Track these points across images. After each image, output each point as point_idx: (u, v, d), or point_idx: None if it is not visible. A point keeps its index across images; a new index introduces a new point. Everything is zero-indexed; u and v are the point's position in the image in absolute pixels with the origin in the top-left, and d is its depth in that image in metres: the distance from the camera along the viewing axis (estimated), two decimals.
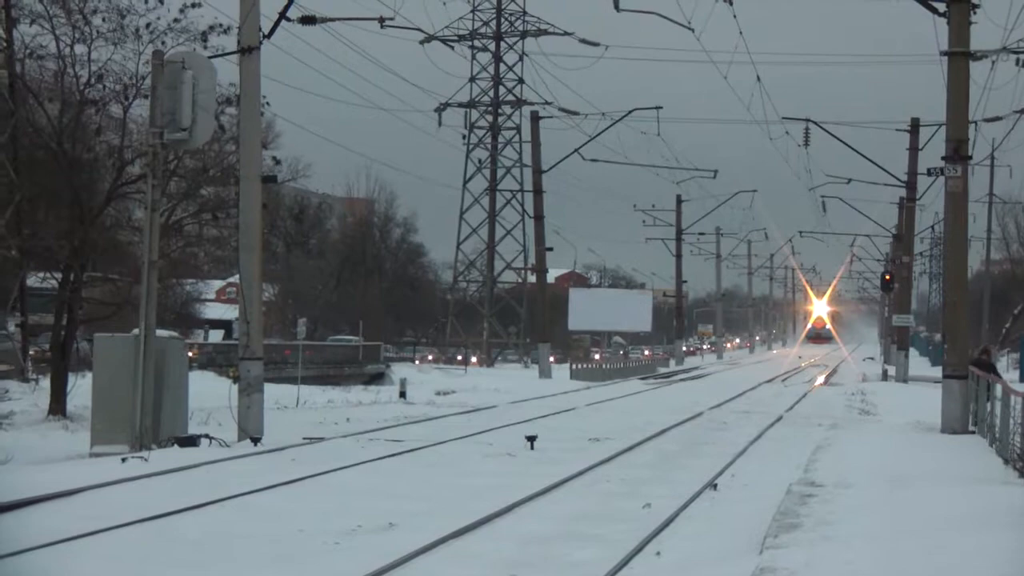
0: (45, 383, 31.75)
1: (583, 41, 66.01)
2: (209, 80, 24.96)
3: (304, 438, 25.99)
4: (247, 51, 26.51)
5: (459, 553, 13.77)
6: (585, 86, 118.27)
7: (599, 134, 63.83)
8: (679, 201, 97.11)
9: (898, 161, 61.75)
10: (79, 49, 29.84)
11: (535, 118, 66.65)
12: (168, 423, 24.37)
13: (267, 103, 29.02)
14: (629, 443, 25.91)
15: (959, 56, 29.19)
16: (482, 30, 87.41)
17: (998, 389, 24.23)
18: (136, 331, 24.19)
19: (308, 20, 29.25)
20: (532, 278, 78.15)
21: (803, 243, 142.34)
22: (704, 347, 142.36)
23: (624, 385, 58.94)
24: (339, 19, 31.22)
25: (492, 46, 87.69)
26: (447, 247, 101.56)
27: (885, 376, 65.65)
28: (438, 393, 47.39)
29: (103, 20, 29.75)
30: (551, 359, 66.38)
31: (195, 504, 16.26)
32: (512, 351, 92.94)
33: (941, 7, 29.34)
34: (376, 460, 22.22)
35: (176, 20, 29.35)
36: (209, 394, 30.13)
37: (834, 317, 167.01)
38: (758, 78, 44.64)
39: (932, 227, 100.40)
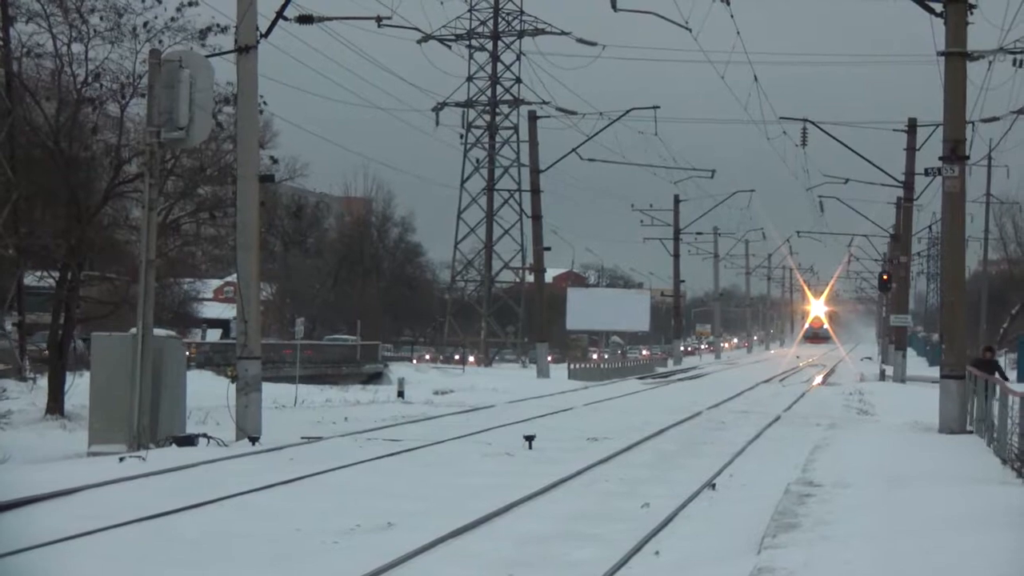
0: (43, 382, 31.72)
1: (580, 41, 66.05)
2: (206, 79, 24.95)
3: (302, 437, 25.98)
4: (244, 50, 26.49)
5: (457, 553, 13.76)
6: (583, 86, 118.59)
7: (597, 134, 63.93)
8: (677, 201, 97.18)
9: (895, 161, 61.87)
10: (76, 48, 29.85)
11: (533, 118, 66.67)
12: (166, 422, 24.36)
13: (264, 102, 29.02)
14: (627, 443, 25.91)
15: (956, 56, 29.20)
16: (479, 29, 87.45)
17: (996, 389, 24.22)
18: (134, 330, 24.18)
19: (305, 19, 29.25)
20: (530, 278, 78.23)
21: (801, 243, 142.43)
22: (702, 347, 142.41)
23: (622, 385, 58.94)
24: (336, 18, 31.24)
25: (489, 45, 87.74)
26: (445, 247, 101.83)
27: (883, 376, 65.66)
28: (436, 393, 47.36)
29: (100, 19, 29.75)
30: (549, 359, 66.39)
31: (193, 503, 16.25)
32: (510, 351, 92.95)
33: (938, 7, 29.35)
34: (374, 459, 22.21)
35: (173, 19, 29.39)
36: (207, 393, 30.12)
37: (832, 317, 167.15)
38: (755, 78, 44.70)
39: (930, 227, 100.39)
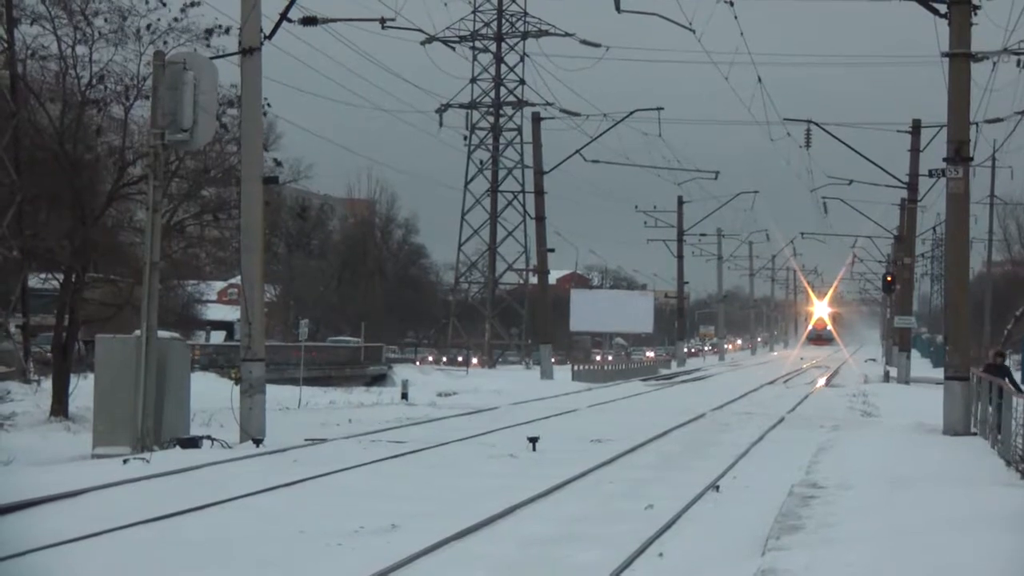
0: (47, 384, 31.73)
1: (584, 42, 66.02)
2: (210, 81, 24.98)
3: (306, 439, 25.99)
4: (248, 52, 26.52)
5: (461, 555, 13.77)
6: (586, 87, 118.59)
7: (600, 135, 63.96)
8: (680, 202, 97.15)
9: (899, 162, 61.84)
10: (80, 50, 29.88)
11: (536, 119, 66.68)
12: (170, 424, 24.38)
13: (268, 104, 29.03)
14: (631, 444, 25.91)
15: (960, 57, 29.21)
16: (483, 31, 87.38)
17: (1001, 391, 24.21)
18: (138, 332, 24.20)
19: (309, 21, 29.27)
20: (534, 279, 78.14)
21: (804, 244, 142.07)
22: (706, 348, 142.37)
23: (626, 386, 58.94)
24: (340, 20, 31.25)
25: (493, 47, 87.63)
26: (448, 248, 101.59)
27: (887, 377, 65.68)
28: (440, 394, 47.36)
29: (105, 21, 29.78)
30: (553, 360, 66.38)
31: (197, 505, 16.27)
32: (513, 352, 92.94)
33: (942, 8, 29.35)
34: (378, 461, 22.23)
35: (176, 19, 29.38)
36: (211, 395, 30.13)
37: (835, 318, 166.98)
38: (759, 79, 44.65)
39: (933, 228, 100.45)
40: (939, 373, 38.28)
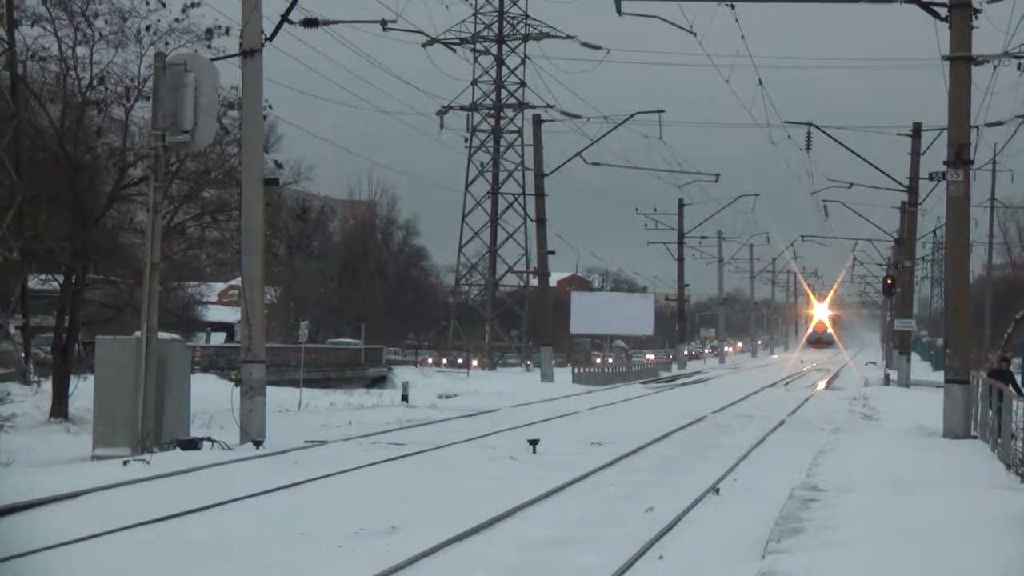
0: (47, 385, 31.73)
1: (585, 44, 66.15)
2: (211, 82, 24.97)
3: (306, 441, 25.98)
4: (249, 54, 26.51)
5: (462, 557, 13.76)
6: (587, 89, 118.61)
7: (601, 137, 64.00)
8: (681, 205, 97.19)
9: (900, 165, 61.88)
10: (81, 51, 29.91)
11: (537, 121, 66.69)
12: (170, 426, 24.37)
13: (269, 106, 29.04)
14: (631, 447, 25.90)
15: (961, 61, 29.21)
16: (484, 33, 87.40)
17: (1001, 394, 24.20)
18: (138, 334, 24.20)
19: (310, 23, 29.27)
20: (534, 281, 78.17)
21: (805, 247, 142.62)
22: (706, 351, 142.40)
23: (626, 389, 58.95)
24: (341, 22, 31.25)
25: (494, 49, 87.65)
26: (449, 250, 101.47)
27: (887, 380, 65.72)
28: (440, 396, 47.34)
29: (105, 22, 29.79)
30: (553, 363, 66.37)
31: (197, 507, 16.27)
32: (513, 355, 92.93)
33: (943, 12, 29.36)
34: (378, 463, 22.23)
35: (177, 20, 29.38)
36: (211, 397, 30.13)
37: (835, 321, 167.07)
38: (760, 82, 44.60)
39: (934, 231, 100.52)
40: (939, 376, 38.25)
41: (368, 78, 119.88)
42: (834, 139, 54.92)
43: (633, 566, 13.39)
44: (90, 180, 30.85)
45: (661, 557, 13.84)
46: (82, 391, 28.51)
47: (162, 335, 25.23)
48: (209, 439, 24.35)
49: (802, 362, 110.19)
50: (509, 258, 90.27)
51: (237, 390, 26.77)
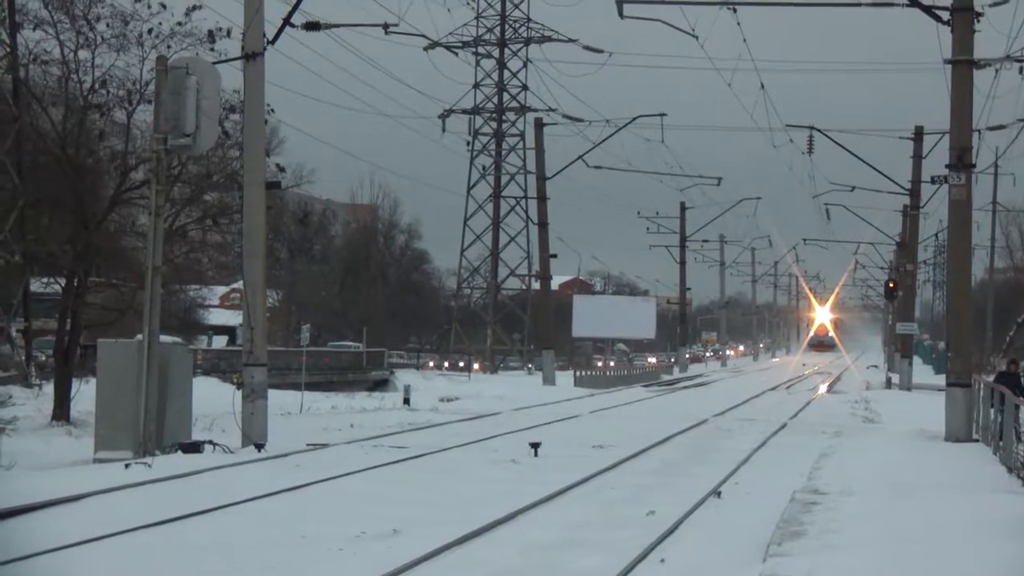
0: (48, 389, 31.76)
1: (587, 48, 66.12)
2: (213, 86, 24.97)
3: (308, 444, 25.98)
4: (251, 57, 26.49)
5: (463, 560, 13.76)
6: (589, 93, 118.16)
7: (603, 141, 63.98)
8: (683, 208, 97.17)
9: (902, 169, 61.82)
10: (83, 54, 29.95)
11: (539, 125, 66.72)
12: (172, 429, 24.38)
13: (271, 109, 29.04)
14: (633, 450, 25.89)
15: (963, 64, 29.22)
16: (486, 37, 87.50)
17: (1003, 397, 24.18)
18: (140, 337, 24.20)
19: (312, 26, 29.27)
20: (536, 285, 78.22)
21: (807, 250, 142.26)
22: (707, 355, 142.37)
23: (628, 392, 58.90)
24: (343, 25, 31.27)
25: (496, 53, 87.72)
26: (451, 254, 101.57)
27: (889, 384, 65.66)
28: (442, 400, 47.37)
29: (107, 26, 29.82)
30: (555, 366, 66.36)
31: (199, 510, 16.27)
32: (515, 358, 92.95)
33: (945, 15, 29.36)
34: (380, 467, 22.23)
35: (180, 23, 29.40)
36: (213, 400, 30.12)
37: (837, 324, 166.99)
38: (762, 85, 44.63)
39: (936, 235, 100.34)
40: (941, 380, 38.30)
41: (370, 81, 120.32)
42: (836, 143, 54.96)
43: (634, 569, 13.40)
44: (92, 183, 30.88)
45: (663, 560, 13.84)
46: (84, 394, 28.53)
47: (164, 338, 25.22)
48: (211, 442, 24.34)
49: (804, 365, 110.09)
50: (511, 261, 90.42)
51: (239, 393, 26.77)
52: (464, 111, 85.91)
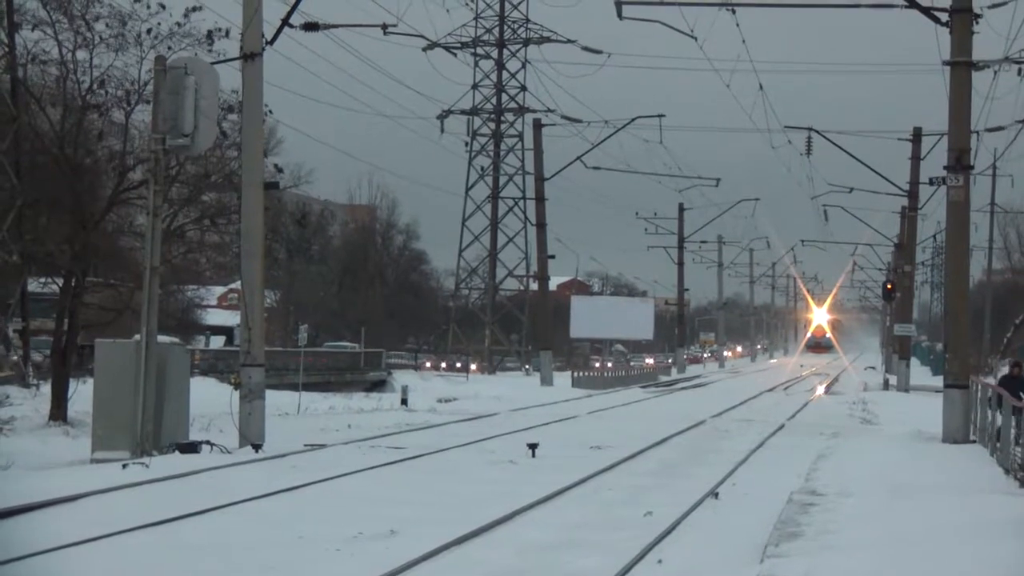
0: (46, 389, 31.74)
1: (586, 49, 66.16)
2: (211, 86, 24.97)
3: (305, 445, 25.98)
4: (250, 57, 26.49)
5: (460, 561, 13.76)
6: (588, 94, 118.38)
7: (602, 142, 63.96)
8: (681, 209, 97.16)
9: (900, 170, 61.86)
10: (81, 55, 29.92)
11: (537, 125, 66.72)
12: (169, 429, 24.37)
13: (269, 110, 29.02)
14: (631, 451, 25.89)
15: (961, 66, 29.22)
16: (485, 37, 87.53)
17: (1000, 399, 24.18)
18: (137, 337, 24.20)
19: (311, 27, 29.27)
20: (534, 285, 78.23)
21: (805, 252, 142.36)
22: (706, 355, 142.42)
23: (625, 393, 58.90)
24: (342, 26, 31.25)
25: (495, 53, 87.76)
26: (449, 254, 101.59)
27: (886, 385, 65.67)
28: (440, 400, 47.36)
29: (106, 26, 29.81)
30: (552, 367, 66.37)
31: (197, 510, 16.26)
32: (513, 358, 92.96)
33: (943, 17, 29.36)
34: (377, 467, 22.23)
35: (179, 24, 29.37)
36: (210, 400, 30.11)
37: (835, 326, 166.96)
38: (761, 86, 44.60)
39: (934, 236, 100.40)
40: (939, 381, 38.27)
41: (369, 82, 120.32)
42: (834, 144, 54.91)
43: (632, 570, 13.40)
44: (90, 183, 30.86)
45: (660, 561, 13.84)
46: (81, 394, 28.51)
47: (161, 338, 25.21)
48: (208, 442, 24.34)
49: (801, 366, 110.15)
50: (509, 262, 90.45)
51: (236, 394, 26.77)
52: (463, 112, 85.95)
